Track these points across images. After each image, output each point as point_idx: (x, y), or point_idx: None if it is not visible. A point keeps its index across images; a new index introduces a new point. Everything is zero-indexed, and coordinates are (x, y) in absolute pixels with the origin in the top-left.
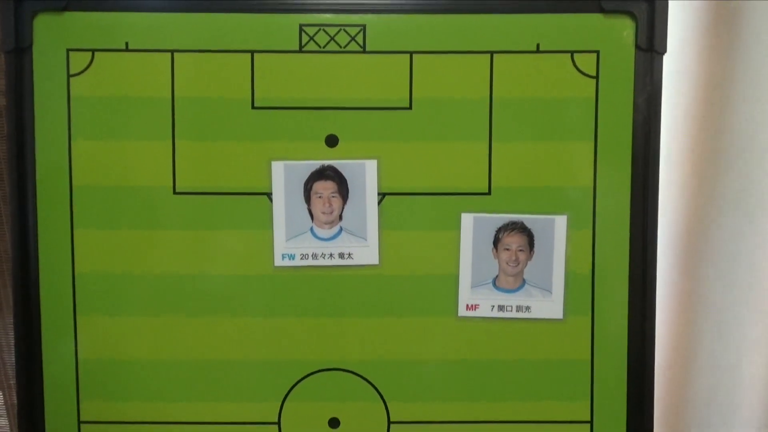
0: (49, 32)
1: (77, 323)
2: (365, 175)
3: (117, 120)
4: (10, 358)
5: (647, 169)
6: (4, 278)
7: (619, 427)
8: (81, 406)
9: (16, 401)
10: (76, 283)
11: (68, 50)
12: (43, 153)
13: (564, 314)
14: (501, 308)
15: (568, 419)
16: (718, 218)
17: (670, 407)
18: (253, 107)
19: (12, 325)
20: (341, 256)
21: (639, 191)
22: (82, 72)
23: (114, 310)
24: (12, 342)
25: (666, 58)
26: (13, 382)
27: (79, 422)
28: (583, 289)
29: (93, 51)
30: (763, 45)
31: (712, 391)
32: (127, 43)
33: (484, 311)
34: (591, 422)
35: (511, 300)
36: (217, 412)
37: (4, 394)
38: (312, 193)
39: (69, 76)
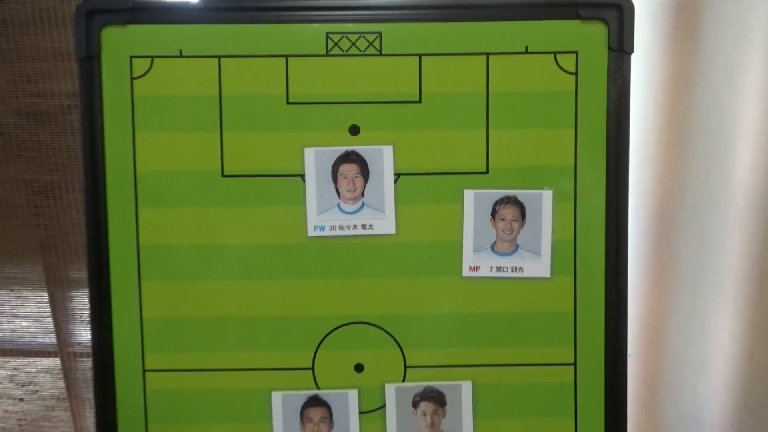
0: (115, 42)
1: (141, 288)
2: (383, 159)
3: (173, 115)
4: (69, 328)
5: (619, 151)
6: (66, 256)
7: (599, 367)
8: (145, 357)
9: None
10: (140, 253)
11: (131, 57)
12: (111, 144)
13: (551, 273)
14: (498, 269)
15: (556, 362)
16: (684, 193)
17: (644, 354)
18: (287, 103)
19: (72, 299)
20: (363, 227)
21: (613, 170)
22: (143, 75)
23: (172, 275)
24: (71, 313)
25: (633, 57)
26: (70, 349)
27: (144, 371)
28: (567, 252)
29: (152, 57)
30: (714, 43)
31: (682, 346)
32: (180, 50)
33: (484, 272)
34: (575, 364)
35: (507, 262)
36: (260, 360)
37: (62, 360)
38: (338, 174)
39: (132, 78)
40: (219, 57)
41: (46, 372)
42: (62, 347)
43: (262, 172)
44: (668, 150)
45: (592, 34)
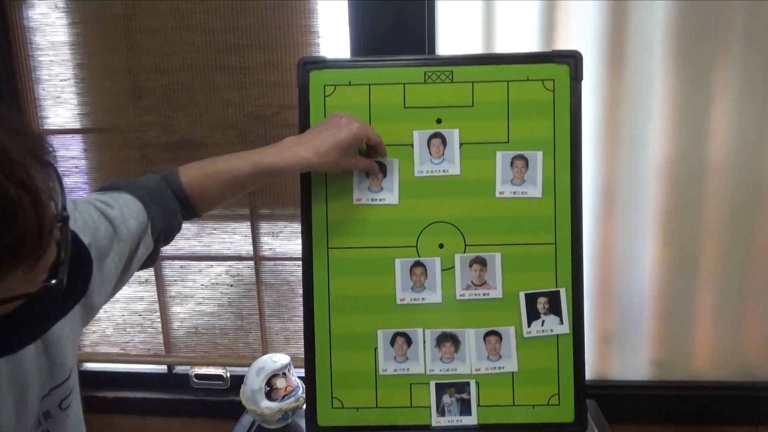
0: (316, 78)
1: (328, 205)
2: (454, 136)
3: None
4: (259, 243)
5: (576, 130)
6: (262, 199)
7: (567, 245)
8: (329, 240)
9: (260, 266)
10: (327, 184)
11: (324, 85)
12: None
13: (542, 195)
14: (514, 193)
15: (544, 242)
16: (616, 157)
17: (601, 256)
18: (404, 107)
19: (263, 227)
20: (443, 171)
21: (574, 140)
22: (331, 95)
23: (345, 196)
24: (262, 232)
25: (584, 83)
26: (260, 254)
27: (328, 249)
28: (550, 183)
29: (335, 86)
30: (633, 73)
31: (623, 246)
32: (350, 81)
33: (507, 195)
34: (555, 243)
35: (518, 189)
36: (386, 242)
37: (255, 262)
38: (430, 144)
39: (324, 96)
40: (369, 85)
41: (247, 268)
42: (256, 253)
43: (392, 143)
44: (608, 135)
45: (561, 71)
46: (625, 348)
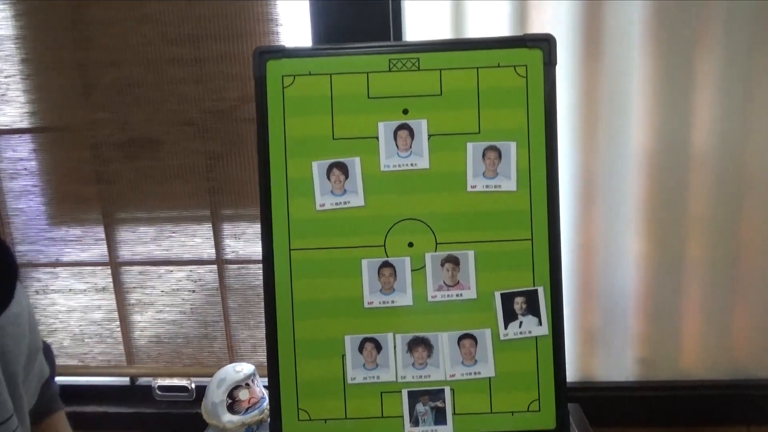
0: (274, 68)
1: (289, 203)
2: (422, 127)
3: (305, 106)
4: (223, 245)
5: (551, 119)
6: (226, 200)
7: (545, 241)
8: (291, 242)
9: (223, 270)
10: (288, 183)
11: (282, 76)
12: (272, 124)
13: (517, 188)
14: (487, 186)
15: (521, 238)
16: (595, 146)
17: (582, 251)
18: (368, 98)
19: (225, 228)
20: (411, 165)
21: (549, 129)
22: (289, 86)
23: (305, 194)
24: (225, 234)
25: (558, 67)
26: (223, 258)
27: (290, 250)
28: (525, 176)
29: (294, 76)
30: (610, 57)
31: (605, 245)
32: (309, 71)
33: (479, 188)
34: (531, 239)
35: (491, 182)
36: (352, 242)
37: (218, 266)
38: (397, 136)
39: (283, 87)
40: (330, 74)
41: (210, 272)
42: (219, 257)
43: (356, 136)
44: (582, 120)
45: (534, 55)
46: (609, 347)
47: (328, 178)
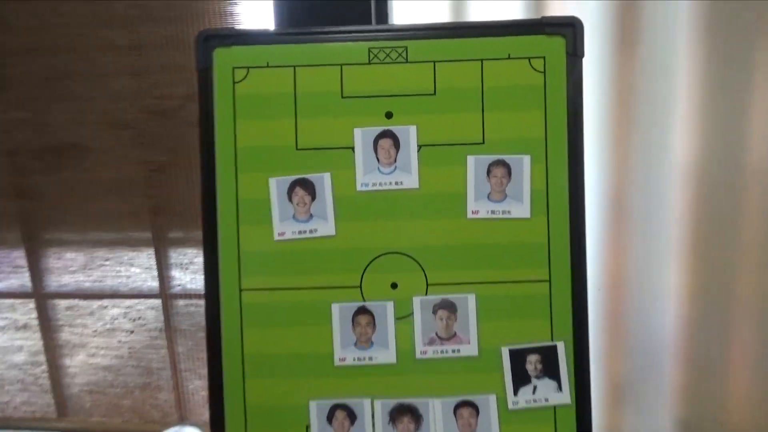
0: (223, 58)
1: (240, 229)
2: (410, 135)
3: (262, 106)
4: (169, 275)
5: (576, 126)
6: (171, 220)
7: (567, 282)
8: (242, 280)
9: (170, 305)
10: (239, 204)
11: (233, 68)
12: (220, 128)
13: (531, 214)
14: (493, 212)
15: (536, 279)
16: (630, 158)
17: (610, 289)
18: (342, 97)
19: (172, 253)
20: (396, 183)
21: (572, 139)
22: (242, 80)
23: (261, 221)
24: (171, 263)
25: (585, 60)
26: (169, 292)
27: (241, 290)
28: (541, 199)
29: (248, 68)
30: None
31: (639, 282)
32: (267, 63)
33: (482, 214)
34: (549, 280)
35: (498, 207)
36: (321, 281)
37: (163, 300)
38: (378, 146)
39: (234, 83)
40: (294, 66)
41: (152, 309)
42: (163, 290)
43: (325, 146)
44: (611, 125)
45: (555, 44)
46: (642, 404)
47: (290, 199)
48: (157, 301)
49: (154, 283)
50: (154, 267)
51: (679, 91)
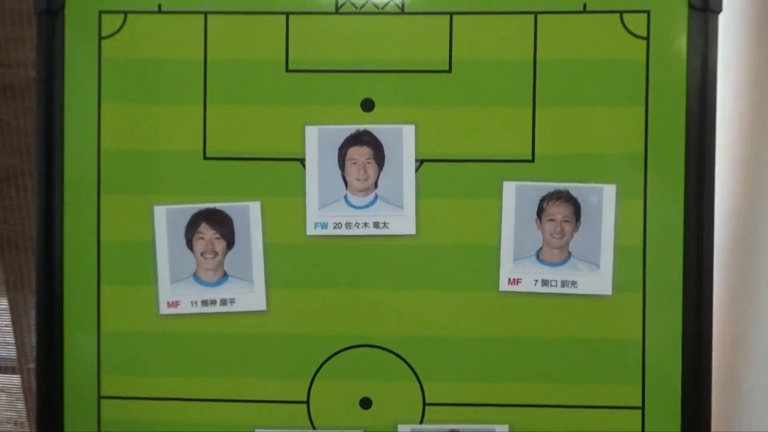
0: None
1: (100, 292)
2: (402, 141)
3: (147, 83)
4: (30, 340)
5: (703, 136)
6: (30, 255)
7: (674, 413)
8: (102, 381)
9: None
10: (101, 251)
11: (100, 12)
12: (71, 117)
13: (613, 290)
14: (545, 283)
15: (618, 404)
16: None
17: (727, 394)
18: (287, 70)
19: (34, 306)
20: (376, 225)
21: (694, 159)
22: (114, 34)
23: (136, 280)
24: (33, 323)
25: (722, 18)
26: (31, 365)
27: (99, 398)
28: (634, 263)
29: (125, 13)
30: None
31: None
32: (159, 5)
33: (526, 286)
34: (642, 408)
35: (556, 274)
36: (242, 389)
37: (22, 378)
38: (347, 159)
39: (100, 38)
40: (205, 13)
41: (2, 391)
42: (22, 363)
43: (253, 155)
44: (751, 142)
45: None
46: None
47: (190, 244)
48: (13, 378)
49: (6, 352)
50: (8, 327)
51: None
